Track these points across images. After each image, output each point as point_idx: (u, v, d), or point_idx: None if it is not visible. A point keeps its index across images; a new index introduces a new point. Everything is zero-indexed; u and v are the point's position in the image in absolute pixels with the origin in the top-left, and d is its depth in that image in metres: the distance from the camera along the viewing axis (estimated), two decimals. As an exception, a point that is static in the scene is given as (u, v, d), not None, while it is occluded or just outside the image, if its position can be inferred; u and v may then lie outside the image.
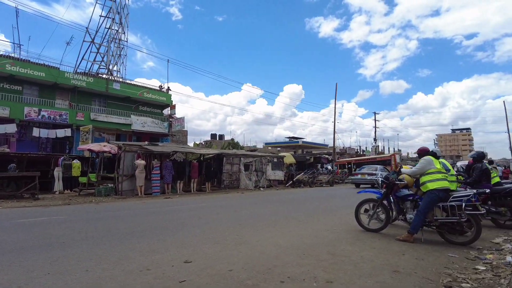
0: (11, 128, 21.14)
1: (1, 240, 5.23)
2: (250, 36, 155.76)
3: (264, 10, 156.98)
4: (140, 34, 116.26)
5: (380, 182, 7.02)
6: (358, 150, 62.80)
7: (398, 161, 30.36)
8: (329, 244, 5.27)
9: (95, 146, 15.80)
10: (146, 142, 17.81)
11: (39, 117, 22.81)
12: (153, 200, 13.27)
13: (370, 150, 57.15)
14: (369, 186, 19.04)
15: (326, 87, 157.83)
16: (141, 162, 14.87)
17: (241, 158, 20.07)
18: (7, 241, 5.21)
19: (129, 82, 29.55)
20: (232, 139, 55.06)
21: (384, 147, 67.35)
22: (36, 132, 22.17)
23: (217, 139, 66.75)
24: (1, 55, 22.26)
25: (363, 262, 4.29)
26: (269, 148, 53.56)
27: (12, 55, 23.21)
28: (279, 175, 23.03)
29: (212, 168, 18.82)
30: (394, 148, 67.93)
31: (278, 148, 51.64)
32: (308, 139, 65.40)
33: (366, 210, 6.70)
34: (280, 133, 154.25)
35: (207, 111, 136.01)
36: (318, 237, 5.80)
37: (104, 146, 15.86)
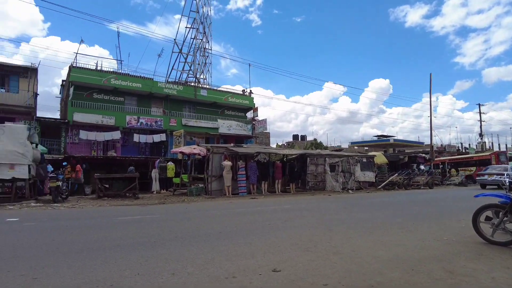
0: (117, 135, 23.83)
1: (102, 237, 5.57)
2: (331, 34, 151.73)
3: (343, 6, 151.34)
4: (223, 43, 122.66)
5: (508, 184, 5.67)
6: (460, 148, 55.54)
7: (504, 160, 25.78)
8: (443, 259, 4.33)
9: (186, 149, 16.73)
10: (232, 144, 18.29)
11: (138, 124, 25.32)
12: (239, 200, 13.38)
13: (475, 147, 49.99)
14: (495, 187, 17.13)
15: (416, 80, 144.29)
16: (227, 163, 15.21)
17: (326, 158, 19.20)
18: (108, 238, 5.52)
19: (215, 88, 31.04)
20: (315, 139, 53.83)
21: (492, 143, 58.35)
22: (136, 137, 24.62)
23: (299, 139, 66.10)
24: (107, 71, 25.33)
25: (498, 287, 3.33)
26: (356, 147, 50.93)
27: (115, 70, 26.27)
28: (370, 176, 21.42)
29: (296, 169, 18.38)
30: (506, 145, 58.25)
31: (366, 148, 48.76)
32: (399, 137, 60.49)
33: (488, 218, 5.46)
34: (367, 131, 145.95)
35: (288, 113, 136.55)
36: (427, 249, 4.86)
37: (194, 148, 16.70)
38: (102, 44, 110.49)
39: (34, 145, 13.44)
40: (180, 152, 17.09)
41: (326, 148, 46.89)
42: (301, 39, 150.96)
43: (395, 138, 47.85)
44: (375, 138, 50.83)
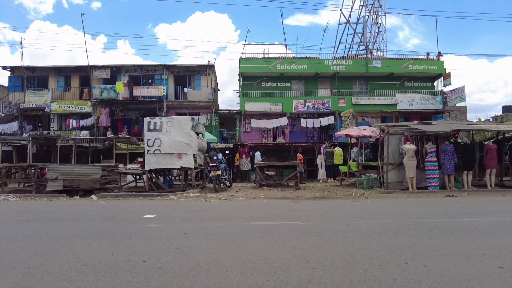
0: (284, 121, 23.17)
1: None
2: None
3: None
4: (401, 14, 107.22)
5: None
6: None
7: None
8: None
9: (354, 131, 13.83)
10: (416, 122, 14.01)
11: (305, 108, 23.88)
12: (429, 199, 9.58)
13: None
14: None
15: None
16: (410, 147, 11.43)
17: None
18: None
19: (391, 57, 26.15)
20: (543, 110, 39.14)
21: None
22: (303, 122, 23.29)
23: (514, 112, 50.25)
24: (273, 57, 24.93)
25: None
26: None
27: (282, 55, 25.53)
28: None
29: (521, 151, 12.38)
30: None
31: None
32: None
33: None
34: None
35: (491, 81, 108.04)
36: None
37: (364, 129, 13.63)
38: (264, 31, 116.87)
39: (201, 135, 13.72)
40: (346, 135, 14.33)
41: None
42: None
43: None
44: None
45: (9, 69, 25.06)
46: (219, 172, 11.92)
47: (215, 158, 14.13)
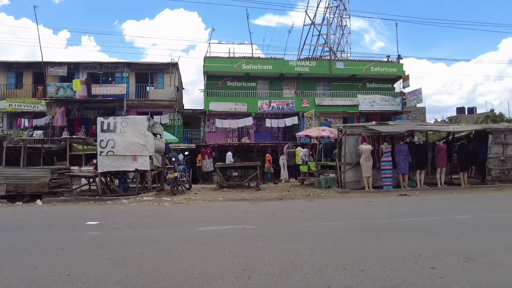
0: (249, 121, 23.07)
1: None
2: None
3: None
4: (368, 17, 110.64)
5: None
6: None
7: None
8: None
9: (313, 132, 13.97)
10: (374, 122, 14.39)
11: (270, 108, 23.93)
12: (383, 198, 9.81)
13: None
14: None
15: None
16: (366, 147, 11.67)
17: (522, 135, 12.99)
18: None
19: (353, 59, 26.80)
20: (492, 111, 41.80)
21: None
22: (268, 123, 23.33)
23: (466, 113, 53.43)
24: (238, 57, 24.75)
25: None
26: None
27: (247, 55, 25.39)
28: None
29: (469, 151, 13.02)
30: None
31: None
32: None
33: None
34: None
35: (448, 84, 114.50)
36: None
37: (323, 130, 13.79)
38: (234, 30, 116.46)
39: (158, 136, 13.27)
40: (306, 136, 14.44)
41: (509, 121, 35.55)
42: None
43: None
44: None
45: (-48, 64, 23.10)
46: (176, 174, 11.55)
47: (173, 159, 13.74)
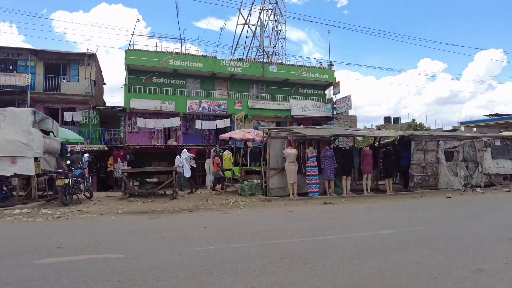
0: (176, 122, 21.29)
1: None
2: (425, 6, 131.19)
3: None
4: (307, 28, 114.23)
5: None
6: None
7: None
8: None
9: (238, 134, 12.83)
10: (301, 126, 13.68)
11: (200, 109, 22.36)
12: (305, 207, 8.89)
13: None
14: None
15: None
16: (291, 151, 10.79)
17: (440, 142, 13.24)
18: None
19: (286, 63, 26.45)
20: (413, 120, 45.09)
21: None
22: (198, 124, 21.77)
23: (392, 122, 57.25)
24: (165, 52, 22.81)
25: None
26: (462, 129, 40.90)
27: (175, 51, 23.53)
28: (506, 166, 14.64)
29: (393, 157, 12.93)
30: None
31: (475, 129, 38.78)
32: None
33: None
34: (471, 112, 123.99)
35: (377, 95, 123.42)
36: None
37: (248, 133, 12.71)
38: (161, 21, 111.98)
39: (52, 134, 10.98)
40: (230, 138, 13.23)
41: (428, 130, 38.42)
42: (392, 16, 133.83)
43: (525, 115, 36.68)
44: (487, 118, 40.07)
45: None
46: (67, 180, 9.45)
47: (77, 163, 11.54)
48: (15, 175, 9.43)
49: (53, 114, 20.50)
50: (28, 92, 19.56)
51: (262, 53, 26.74)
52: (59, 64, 21.62)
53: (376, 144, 14.69)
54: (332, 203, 9.55)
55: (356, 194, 11.62)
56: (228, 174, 13.19)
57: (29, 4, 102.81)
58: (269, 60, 26.21)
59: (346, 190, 11.50)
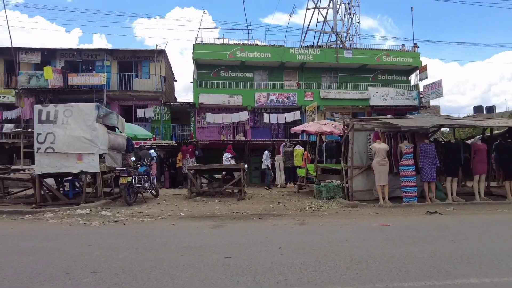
0: (244, 116, 20.35)
1: None
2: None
3: None
4: (379, 15, 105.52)
5: None
6: None
7: None
8: None
9: (312, 126, 11.09)
10: (389, 116, 11.44)
11: (268, 101, 21.09)
12: (404, 218, 6.94)
13: None
14: None
15: None
16: (380, 146, 8.81)
17: None
18: None
19: (363, 48, 23.75)
20: (516, 109, 38.16)
21: None
22: (266, 118, 20.54)
23: (484, 112, 49.61)
24: (232, 44, 21.94)
25: None
26: None
27: (242, 42, 22.56)
28: None
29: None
30: None
31: None
32: None
33: None
34: None
35: (460, 83, 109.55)
36: None
37: (324, 124, 10.92)
38: (228, 18, 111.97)
39: (117, 129, 10.60)
40: (303, 131, 11.60)
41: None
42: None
43: None
44: None
45: None
46: (129, 178, 8.85)
47: (148, 158, 11.13)
48: (82, 172, 9.15)
49: (127, 111, 21.21)
50: (104, 90, 20.25)
51: (335, 39, 24.45)
52: (131, 62, 22.15)
53: (486, 136, 11.73)
54: (438, 213, 7.41)
55: (465, 200, 9.15)
56: (301, 172, 11.62)
57: (114, 17, 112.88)
58: (343, 45, 23.83)
59: (452, 195, 9.12)
